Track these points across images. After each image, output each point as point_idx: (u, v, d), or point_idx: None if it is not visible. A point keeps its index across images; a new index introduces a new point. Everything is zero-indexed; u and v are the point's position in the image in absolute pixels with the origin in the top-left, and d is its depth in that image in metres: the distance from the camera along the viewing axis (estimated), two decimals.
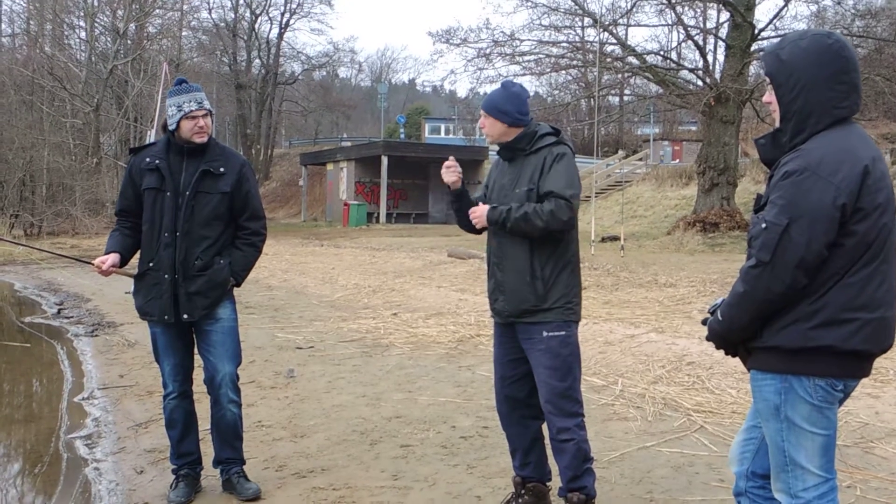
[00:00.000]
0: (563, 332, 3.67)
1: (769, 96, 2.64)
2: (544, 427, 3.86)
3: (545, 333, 3.66)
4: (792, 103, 2.56)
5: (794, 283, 2.45)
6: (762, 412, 2.64)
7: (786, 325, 2.52)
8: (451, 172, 3.84)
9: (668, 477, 4.45)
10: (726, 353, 2.73)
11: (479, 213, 3.74)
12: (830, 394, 2.55)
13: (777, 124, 2.63)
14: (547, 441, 3.85)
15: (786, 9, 52.07)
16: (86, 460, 5.30)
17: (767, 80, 2.63)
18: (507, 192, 3.75)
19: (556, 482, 3.87)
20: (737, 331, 2.61)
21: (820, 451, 2.58)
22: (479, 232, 3.89)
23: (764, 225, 2.48)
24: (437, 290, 12.87)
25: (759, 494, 2.80)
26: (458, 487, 4.35)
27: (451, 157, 3.89)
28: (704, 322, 2.76)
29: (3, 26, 42.22)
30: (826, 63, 2.52)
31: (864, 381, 2.70)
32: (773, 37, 21.54)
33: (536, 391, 3.77)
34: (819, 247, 2.43)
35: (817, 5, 23.51)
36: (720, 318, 2.63)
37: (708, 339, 2.73)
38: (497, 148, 3.88)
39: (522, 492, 3.91)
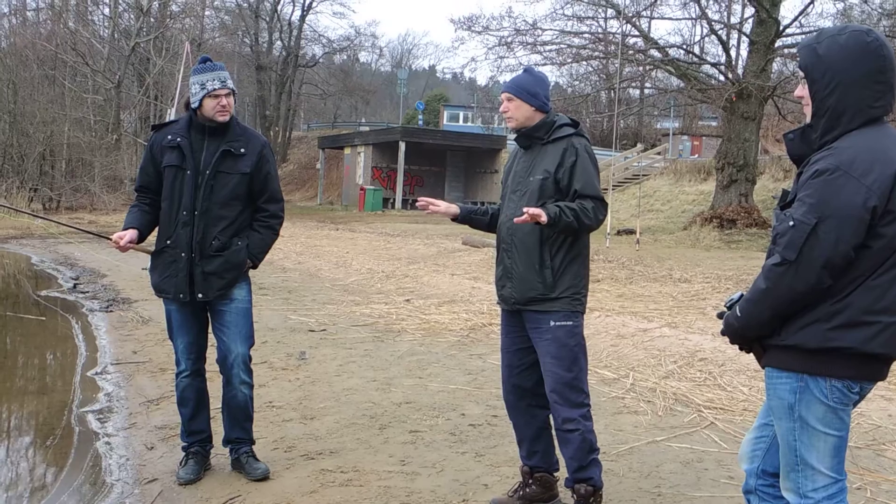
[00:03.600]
0: (570, 323, 3.68)
1: (802, 90, 2.60)
2: (551, 417, 3.86)
3: (552, 323, 3.66)
4: (826, 99, 2.51)
5: (818, 283, 2.42)
6: (775, 410, 2.62)
7: (805, 324, 2.49)
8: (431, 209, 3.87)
9: (676, 472, 4.44)
10: (741, 349, 2.71)
11: (536, 213, 3.50)
12: (846, 395, 2.53)
13: (808, 119, 2.59)
14: (554, 431, 3.85)
15: (811, 6, 51.45)
16: (97, 434, 5.36)
17: (801, 73, 2.58)
18: (520, 178, 3.76)
19: (563, 473, 3.87)
20: (755, 327, 2.58)
21: (832, 451, 2.56)
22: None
23: (791, 223, 2.44)
24: (450, 278, 12.86)
25: (768, 493, 2.79)
26: (465, 475, 4.36)
27: (420, 199, 3.90)
28: (720, 316, 2.73)
29: (28, 0, 42.39)
30: (864, 61, 2.48)
31: (879, 383, 2.68)
32: (797, 34, 21.34)
33: (543, 380, 3.77)
34: (846, 248, 2.40)
35: (843, 3, 23.17)
36: (738, 313, 2.60)
37: (723, 333, 2.70)
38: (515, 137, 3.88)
39: (530, 481, 3.92)
